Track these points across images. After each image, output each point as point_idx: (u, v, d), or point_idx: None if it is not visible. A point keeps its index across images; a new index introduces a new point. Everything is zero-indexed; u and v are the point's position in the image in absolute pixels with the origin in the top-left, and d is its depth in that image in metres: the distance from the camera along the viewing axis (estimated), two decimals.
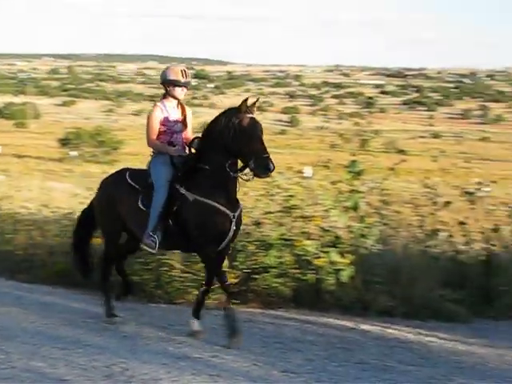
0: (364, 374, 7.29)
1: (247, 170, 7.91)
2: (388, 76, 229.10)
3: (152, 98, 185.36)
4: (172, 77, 8.42)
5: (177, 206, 8.09)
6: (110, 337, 8.22)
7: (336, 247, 9.65)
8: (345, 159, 10.22)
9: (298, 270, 9.59)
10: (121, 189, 8.57)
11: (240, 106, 7.87)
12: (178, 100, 8.52)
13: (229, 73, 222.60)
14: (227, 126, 7.84)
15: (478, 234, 10.47)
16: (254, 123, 7.85)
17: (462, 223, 10.38)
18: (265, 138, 7.96)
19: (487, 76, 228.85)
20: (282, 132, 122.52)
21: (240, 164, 8.00)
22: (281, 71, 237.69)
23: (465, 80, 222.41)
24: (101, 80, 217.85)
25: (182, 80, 8.43)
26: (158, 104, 8.50)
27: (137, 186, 8.45)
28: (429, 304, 9.45)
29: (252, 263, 9.64)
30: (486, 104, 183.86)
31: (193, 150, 8.34)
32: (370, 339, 8.45)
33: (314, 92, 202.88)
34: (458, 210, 10.72)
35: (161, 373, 7.00)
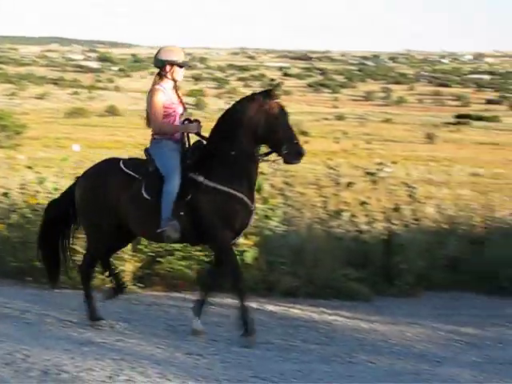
0: (269, 354, 7.36)
1: (271, 156, 7.82)
2: (293, 59, 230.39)
3: (55, 82, 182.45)
4: (174, 57, 8.06)
5: (191, 195, 7.68)
6: (12, 324, 8.09)
7: None
8: None
9: (202, 253, 9.61)
10: (115, 179, 7.91)
11: (269, 91, 7.76)
12: (175, 82, 8.16)
13: (133, 55, 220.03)
14: (256, 112, 7.65)
15: (379, 214, 10.67)
16: (283, 109, 7.76)
17: (364, 203, 10.55)
18: None
19: (389, 58, 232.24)
20: (188, 115, 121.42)
21: (263, 150, 7.85)
22: (186, 54, 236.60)
23: (368, 62, 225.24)
24: (2, 63, 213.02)
25: (184, 60, 8.15)
26: (158, 87, 8.02)
27: (136, 175, 7.86)
28: (332, 284, 9.61)
29: (156, 246, 9.60)
30: (389, 86, 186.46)
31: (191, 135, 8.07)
32: (275, 319, 8.54)
33: (219, 75, 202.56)
34: (361, 191, 10.89)
35: (64, 358, 6.90)
